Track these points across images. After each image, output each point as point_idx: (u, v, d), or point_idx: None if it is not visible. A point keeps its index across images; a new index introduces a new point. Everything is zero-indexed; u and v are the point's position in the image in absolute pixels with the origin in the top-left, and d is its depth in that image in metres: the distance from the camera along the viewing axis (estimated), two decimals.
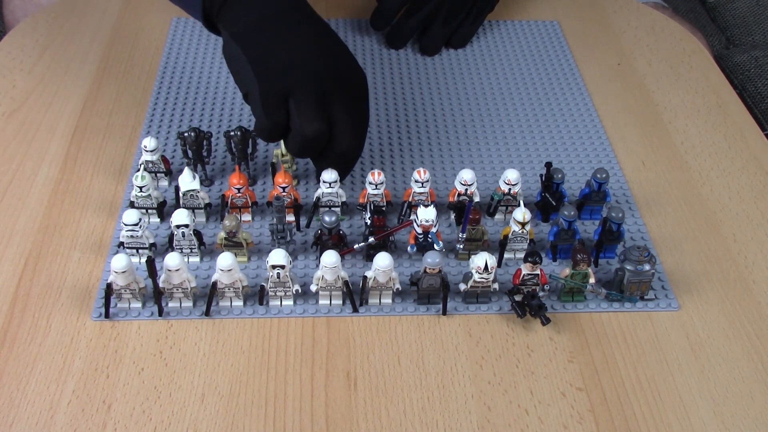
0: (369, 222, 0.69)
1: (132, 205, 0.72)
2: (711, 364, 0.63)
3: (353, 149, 0.68)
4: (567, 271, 0.66)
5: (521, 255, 0.69)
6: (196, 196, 0.71)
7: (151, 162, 0.75)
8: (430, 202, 0.72)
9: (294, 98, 0.65)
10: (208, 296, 0.64)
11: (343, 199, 0.73)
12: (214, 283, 0.64)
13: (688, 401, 0.61)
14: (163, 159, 0.76)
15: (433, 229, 0.68)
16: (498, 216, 0.75)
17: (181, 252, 0.68)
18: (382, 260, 0.63)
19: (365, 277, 0.65)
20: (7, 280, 0.67)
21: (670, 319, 0.67)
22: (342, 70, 0.69)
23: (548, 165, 0.73)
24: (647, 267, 0.66)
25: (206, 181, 0.78)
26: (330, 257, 0.63)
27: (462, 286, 0.66)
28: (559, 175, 0.73)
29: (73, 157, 0.80)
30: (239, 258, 0.69)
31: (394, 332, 0.65)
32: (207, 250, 0.71)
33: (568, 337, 0.65)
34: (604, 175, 0.72)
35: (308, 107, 0.64)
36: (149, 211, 0.72)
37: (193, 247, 0.69)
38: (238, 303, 0.66)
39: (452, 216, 0.74)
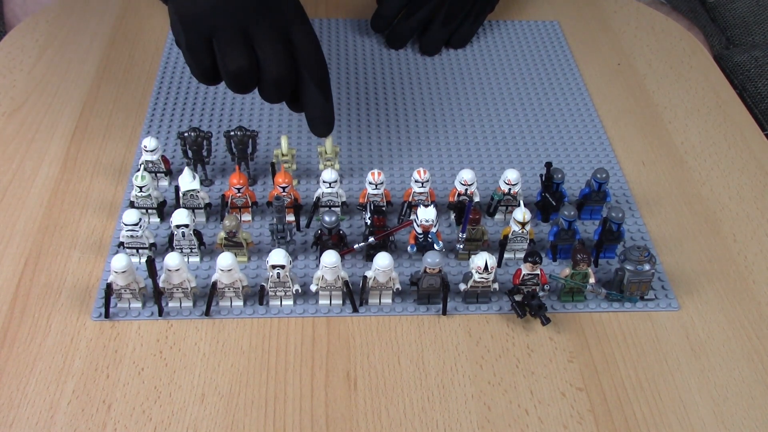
0: (369, 222, 0.69)
1: (132, 205, 0.72)
2: (711, 364, 0.63)
3: (282, 74, 0.67)
4: (567, 271, 0.66)
5: (521, 255, 0.69)
6: (196, 196, 0.71)
7: (151, 162, 0.75)
8: (430, 202, 0.72)
9: (215, 39, 0.65)
10: (208, 296, 0.64)
11: (343, 199, 0.73)
12: (214, 283, 0.64)
13: (688, 401, 0.61)
14: (163, 159, 0.76)
15: (433, 229, 0.68)
16: (498, 216, 0.75)
17: (181, 252, 0.68)
18: (382, 260, 0.63)
19: (365, 277, 0.65)
20: (7, 280, 0.67)
21: (670, 319, 0.67)
22: (263, 1, 0.68)
23: (548, 165, 0.73)
24: (647, 267, 0.66)
25: (206, 181, 0.78)
26: (330, 257, 0.63)
27: (462, 286, 0.66)
28: (559, 175, 0.73)
29: (73, 157, 0.80)
30: (239, 258, 0.69)
31: (394, 332, 0.65)
32: (207, 250, 0.71)
33: (568, 337, 0.65)
34: (604, 175, 0.72)
35: (227, 45, 0.65)
36: (149, 211, 0.72)
37: (193, 247, 0.69)
38: (238, 303, 0.66)
39: (452, 216, 0.74)
